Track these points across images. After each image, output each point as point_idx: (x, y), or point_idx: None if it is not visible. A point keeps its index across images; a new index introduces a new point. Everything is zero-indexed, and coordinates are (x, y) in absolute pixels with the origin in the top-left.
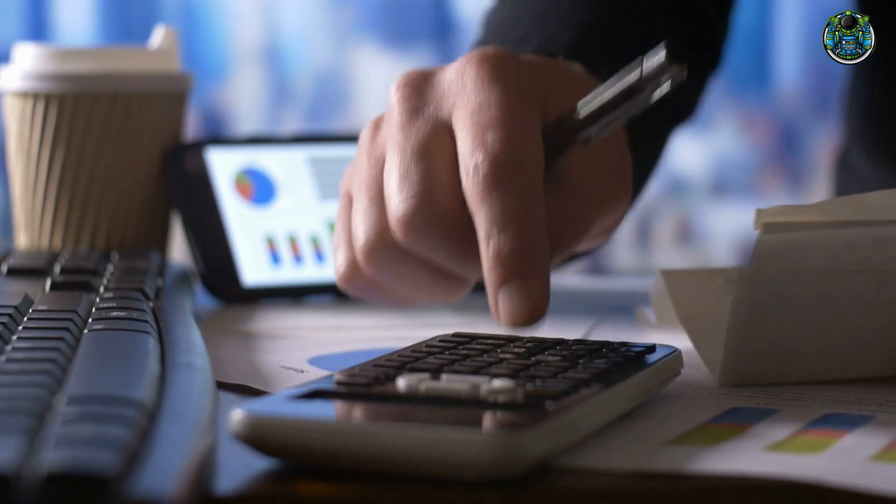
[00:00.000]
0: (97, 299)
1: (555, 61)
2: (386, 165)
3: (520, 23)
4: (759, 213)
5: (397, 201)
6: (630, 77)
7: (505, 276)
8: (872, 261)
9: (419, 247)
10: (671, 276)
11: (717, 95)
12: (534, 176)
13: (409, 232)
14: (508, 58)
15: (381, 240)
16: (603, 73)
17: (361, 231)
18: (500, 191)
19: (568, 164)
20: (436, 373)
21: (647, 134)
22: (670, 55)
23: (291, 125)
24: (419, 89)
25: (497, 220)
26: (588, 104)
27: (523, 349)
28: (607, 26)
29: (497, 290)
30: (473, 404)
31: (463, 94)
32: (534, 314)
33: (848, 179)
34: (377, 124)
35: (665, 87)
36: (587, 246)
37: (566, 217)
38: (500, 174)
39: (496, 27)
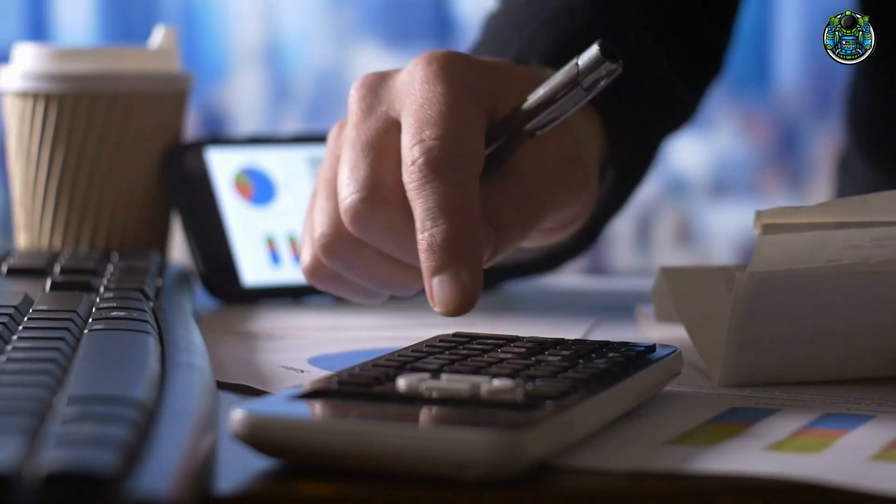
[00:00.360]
0: (97, 299)
1: (512, 65)
2: (340, 161)
3: (501, 31)
4: (759, 214)
5: (345, 194)
6: (566, 72)
7: (437, 266)
8: (872, 261)
9: (368, 237)
10: (672, 273)
11: (717, 95)
12: (468, 170)
13: (356, 223)
14: (459, 58)
15: (336, 232)
16: None
17: (318, 224)
18: (434, 184)
19: (515, 159)
20: (436, 373)
21: (636, 138)
22: (604, 51)
23: (291, 125)
24: (374, 90)
25: (430, 212)
26: (531, 98)
27: (523, 349)
28: (587, 35)
29: (430, 279)
30: (473, 404)
31: (412, 92)
32: (465, 302)
33: (849, 181)
34: (342, 125)
35: (602, 82)
36: (544, 240)
37: (512, 209)
38: (433, 168)
39: (485, 34)
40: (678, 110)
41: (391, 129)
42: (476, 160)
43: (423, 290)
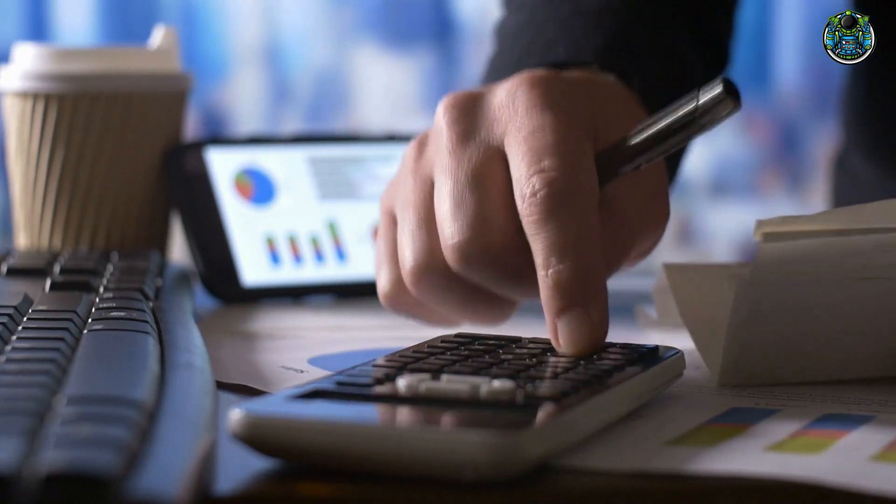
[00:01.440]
0: (97, 299)
1: (598, 80)
2: (437, 190)
3: (544, 29)
4: (760, 223)
5: (453, 230)
6: (686, 110)
7: (565, 305)
8: (873, 267)
9: (473, 275)
10: (674, 270)
11: None
12: (591, 203)
13: (463, 260)
14: (557, 80)
15: (431, 264)
16: (636, 84)
17: (409, 253)
18: (559, 218)
19: (612, 190)
20: (436, 373)
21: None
22: (727, 90)
23: (291, 125)
24: (468, 112)
25: (556, 248)
26: (642, 133)
27: (524, 350)
28: (631, 33)
29: (556, 318)
30: (473, 405)
31: (515, 118)
32: (594, 342)
33: (846, 181)
34: (422, 142)
35: (719, 120)
36: (625, 269)
37: (611, 242)
38: (558, 201)
39: (515, 36)
40: None
41: (494, 157)
42: (595, 191)
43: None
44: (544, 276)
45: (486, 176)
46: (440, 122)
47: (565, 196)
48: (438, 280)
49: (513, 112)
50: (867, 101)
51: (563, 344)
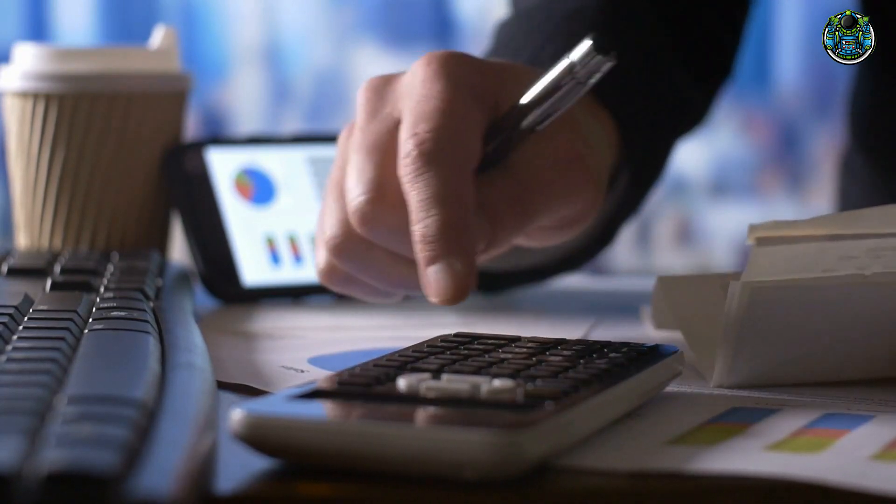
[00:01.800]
0: (97, 299)
1: (515, 64)
2: (347, 165)
3: (514, 37)
4: (752, 228)
5: (352, 196)
6: (560, 66)
7: (431, 256)
8: (868, 273)
9: (376, 237)
10: (668, 282)
11: None
12: (461, 162)
13: (364, 224)
14: (459, 57)
15: (346, 234)
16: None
17: (328, 226)
18: (426, 175)
19: (516, 155)
20: (436, 373)
21: (649, 140)
22: (597, 46)
23: (291, 125)
24: (379, 92)
25: (423, 203)
26: (528, 94)
27: (524, 349)
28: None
29: (425, 269)
30: (474, 404)
31: (412, 91)
32: (459, 291)
33: (851, 181)
34: (351, 128)
35: (597, 75)
36: (549, 240)
37: (507, 204)
38: (425, 159)
39: (504, 41)
40: (690, 113)
41: (395, 129)
42: (469, 153)
43: None
44: (414, 231)
45: (387, 145)
46: (357, 104)
47: (432, 155)
48: (354, 248)
49: (411, 87)
50: (870, 101)
51: (431, 293)
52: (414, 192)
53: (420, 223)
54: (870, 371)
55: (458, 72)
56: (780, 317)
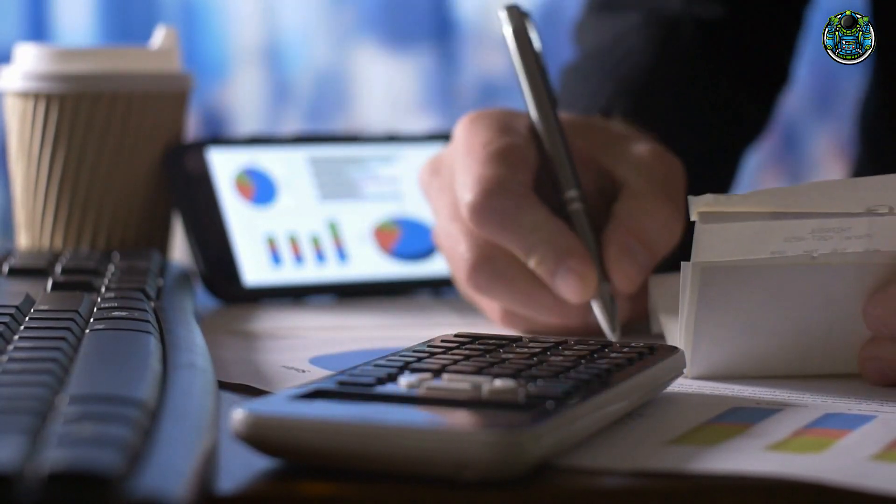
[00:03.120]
0: (98, 299)
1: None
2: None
3: (573, 86)
4: (693, 201)
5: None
6: (505, 35)
7: (551, 271)
8: (816, 254)
9: (490, 294)
10: (659, 282)
11: None
12: (514, 195)
13: (476, 284)
14: (486, 114)
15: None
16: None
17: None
18: (485, 225)
19: (618, 172)
20: (437, 373)
21: (718, 156)
22: (509, 12)
23: (291, 125)
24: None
25: (521, 242)
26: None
27: (525, 349)
28: (649, 77)
29: (552, 281)
30: (474, 404)
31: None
32: (587, 285)
33: None
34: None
35: (527, 36)
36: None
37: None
38: (474, 216)
39: (566, 90)
40: (749, 126)
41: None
42: (519, 183)
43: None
44: (529, 265)
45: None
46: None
47: (477, 209)
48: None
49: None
50: (878, 108)
51: (564, 295)
52: (498, 240)
53: (530, 257)
54: (833, 365)
55: (482, 122)
56: (734, 299)
